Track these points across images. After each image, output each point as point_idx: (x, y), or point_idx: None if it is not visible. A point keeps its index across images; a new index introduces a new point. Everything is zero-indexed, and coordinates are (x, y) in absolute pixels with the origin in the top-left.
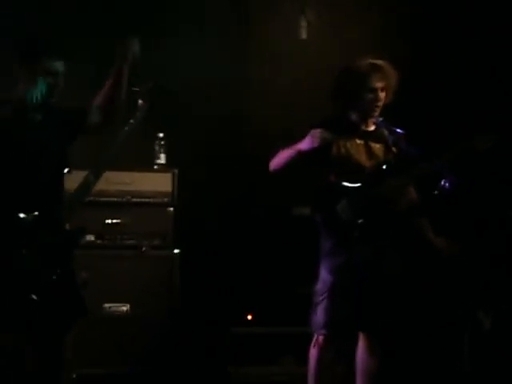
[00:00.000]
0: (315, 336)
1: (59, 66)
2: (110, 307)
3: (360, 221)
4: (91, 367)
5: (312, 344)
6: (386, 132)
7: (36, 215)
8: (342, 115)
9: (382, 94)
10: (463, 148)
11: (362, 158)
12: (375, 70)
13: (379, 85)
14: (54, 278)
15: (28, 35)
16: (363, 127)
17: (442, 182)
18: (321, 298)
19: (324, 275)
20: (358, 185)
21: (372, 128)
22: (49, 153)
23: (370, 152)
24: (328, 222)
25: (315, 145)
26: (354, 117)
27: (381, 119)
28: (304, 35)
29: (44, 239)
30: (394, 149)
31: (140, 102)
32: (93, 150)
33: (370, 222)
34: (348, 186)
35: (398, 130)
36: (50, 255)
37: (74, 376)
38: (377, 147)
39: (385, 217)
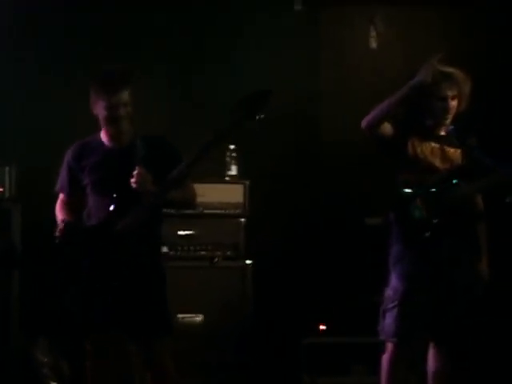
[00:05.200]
0: (386, 344)
1: (125, 96)
2: (183, 318)
3: (434, 221)
4: None
5: (383, 354)
6: (457, 139)
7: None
8: (416, 120)
9: (453, 103)
10: None
11: (437, 161)
12: (445, 78)
13: (449, 93)
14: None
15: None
16: (437, 131)
17: None
18: (391, 305)
19: (394, 282)
20: (433, 186)
21: (445, 132)
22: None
23: (444, 155)
24: (401, 220)
25: (428, 78)
26: (428, 122)
27: (452, 127)
28: (374, 45)
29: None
30: (467, 155)
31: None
32: None
33: (443, 224)
34: (422, 186)
35: (470, 138)
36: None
37: None
38: (451, 151)
39: (457, 220)
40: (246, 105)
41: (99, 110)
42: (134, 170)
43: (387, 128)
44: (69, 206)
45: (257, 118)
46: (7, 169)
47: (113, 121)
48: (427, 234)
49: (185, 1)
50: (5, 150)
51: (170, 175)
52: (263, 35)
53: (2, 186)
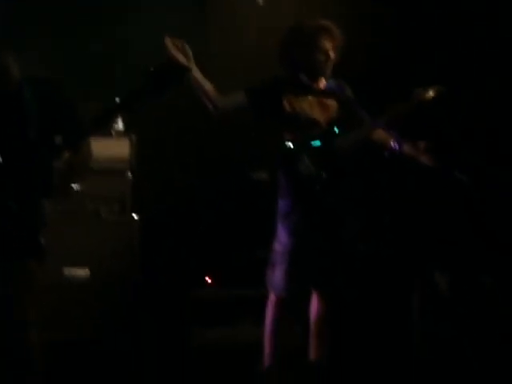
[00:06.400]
0: (271, 296)
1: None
2: (69, 272)
3: (323, 174)
4: (50, 332)
5: (268, 304)
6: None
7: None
8: (291, 75)
9: (332, 54)
10: (406, 103)
11: (317, 114)
12: (324, 30)
13: (329, 45)
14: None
15: None
16: (314, 85)
17: (392, 144)
18: (280, 260)
19: (283, 236)
20: (316, 139)
21: (322, 85)
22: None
23: (323, 108)
24: (290, 178)
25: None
26: (303, 77)
27: (330, 81)
28: (260, 1)
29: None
30: (345, 106)
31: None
32: None
33: (332, 175)
34: (306, 141)
35: (346, 91)
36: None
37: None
38: (329, 103)
39: (344, 171)
40: (157, 79)
41: None
42: (22, 118)
43: (224, 101)
44: None
45: (164, 96)
46: None
47: None
48: (318, 188)
49: None
50: None
51: (70, 136)
52: None
53: None
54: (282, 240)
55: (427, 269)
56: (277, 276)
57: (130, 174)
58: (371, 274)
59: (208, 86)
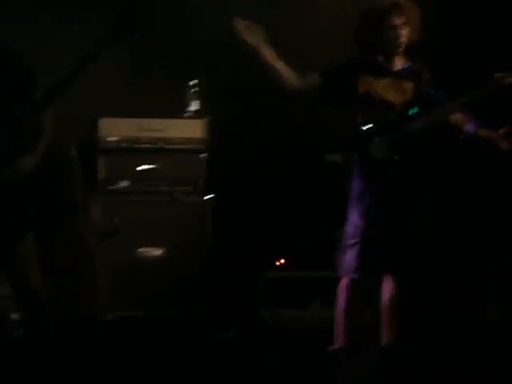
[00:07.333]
0: (343, 279)
1: None
2: (143, 251)
3: (396, 158)
4: (126, 310)
5: (339, 287)
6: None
7: None
8: (367, 56)
9: (403, 31)
10: (484, 87)
11: (391, 96)
12: (395, 7)
13: (399, 21)
14: None
15: None
16: (390, 67)
17: (468, 127)
18: (352, 242)
19: (355, 218)
20: (390, 122)
21: (399, 67)
22: None
23: (398, 90)
24: (362, 161)
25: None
26: (380, 58)
27: (409, 63)
28: None
29: None
30: (422, 89)
31: None
32: None
33: (405, 159)
34: (380, 124)
35: (424, 73)
36: None
37: (110, 318)
38: (404, 85)
39: (418, 154)
40: (116, 24)
41: None
42: None
43: (299, 81)
44: None
45: (126, 37)
46: None
47: None
48: (390, 172)
49: None
50: None
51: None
52: None
53: None
54: (353, 222)
55: (500, 252)
56: (348, 258)
57: (204, 154)
58: (444, 257)
59: (281, 65)
